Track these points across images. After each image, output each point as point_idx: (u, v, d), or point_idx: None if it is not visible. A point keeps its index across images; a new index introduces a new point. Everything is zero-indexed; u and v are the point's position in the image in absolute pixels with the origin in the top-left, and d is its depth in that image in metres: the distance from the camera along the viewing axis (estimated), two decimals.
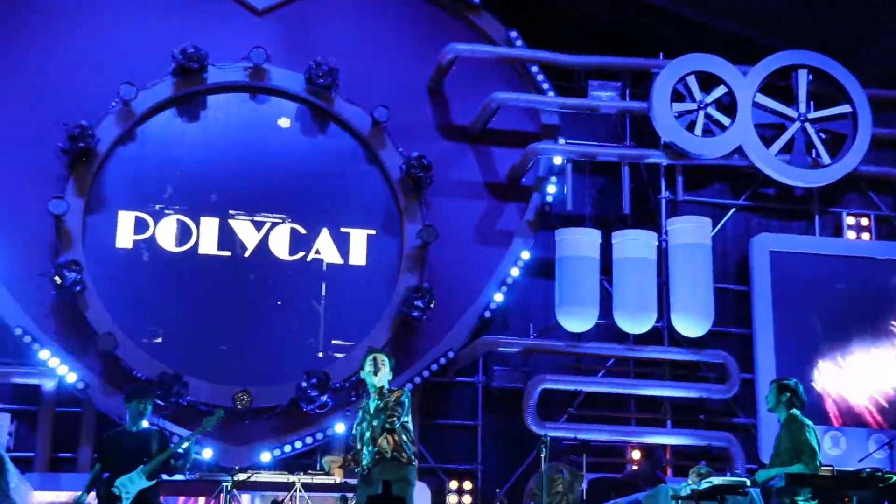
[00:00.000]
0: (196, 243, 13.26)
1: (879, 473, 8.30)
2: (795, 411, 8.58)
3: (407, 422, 7.82)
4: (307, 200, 13.58)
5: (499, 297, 13.69)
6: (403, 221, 13.64)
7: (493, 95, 13.80)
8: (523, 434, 13.20)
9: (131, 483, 8.27)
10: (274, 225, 13.46)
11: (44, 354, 12.29)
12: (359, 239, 13.65)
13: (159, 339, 12.95)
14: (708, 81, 14.26)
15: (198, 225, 13.30)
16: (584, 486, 12.24)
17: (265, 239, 13.41)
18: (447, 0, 14.51)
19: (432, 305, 13.16)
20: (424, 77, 14.19)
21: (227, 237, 13.33)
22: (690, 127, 14.14)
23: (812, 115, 14.43)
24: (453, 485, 13.38)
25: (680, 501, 9.07)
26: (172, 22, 13.60)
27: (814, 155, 14.38)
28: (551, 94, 14.36)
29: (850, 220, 14.93)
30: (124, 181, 13.22)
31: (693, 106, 14.19)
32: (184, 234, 13.27)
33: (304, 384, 12.67)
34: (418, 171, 13.51)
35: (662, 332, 14.00)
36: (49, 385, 12.38)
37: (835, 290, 14.21)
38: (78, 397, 12.45)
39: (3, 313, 12.43)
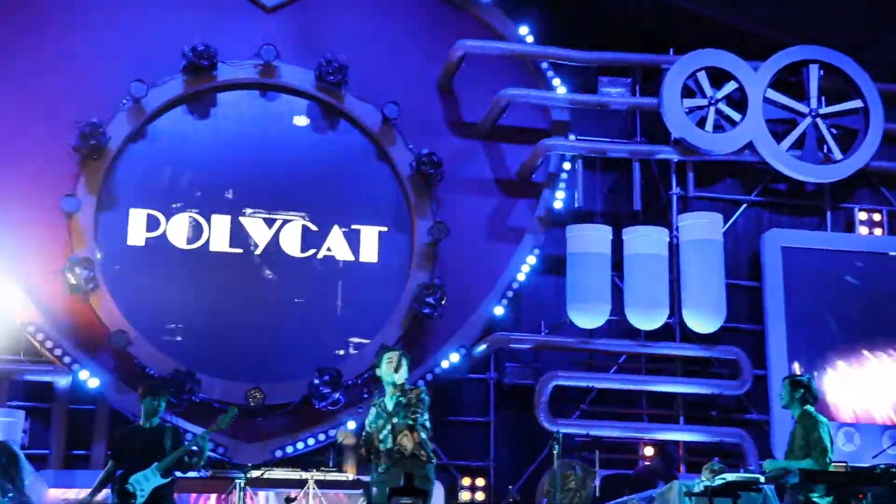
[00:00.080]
0: (207, 240, 13.28)
1: (894, 470, 8.27)
2: (809, 407, 8.57)
3: (426, 420, 7.81)
4: (318, 197, 13.58)
5: (510, 294, 13.68)
6: (414, 218, 13.64)
7: (503, 92, 13.79)
8: (535, 431, 13.20)
9: (146, 480, 8.26)
10: (285, 222, 13.47)
11: (57, 352, 12.33)
12: (370, 236, 13.65)
13: (180, 338, 12.97)
14: (718, 77, 14.23)
15: (209, 222, 13.31)
16: (597, 482, 12.24)
17: (276, 236, 13.42)
18: None
19: (443, 302, 13.16)
20: (434, 74, 14.18)
21: (238, 234, 13.34)
22: (701, 123, 14.11)
23: (823, 111, 14.38)
24: (466, 481, 13.38)
25: (693, 498, 9.04)
26: (183, 19, 13.60)
27: (825, 150, 14.33)
28: (561, 90, 14.34)
29: (863, 216, 14.89)
30: (135, 179, 13.24)
31: (704, 102, 14.16)
32: (195, 231, 13.29)
33: (317, 381, 12.68)
34: (429, 168, 13.51)
35: (674, 329, 13.99)
36: (63, 382, 12.40)
37: (847, 285, 14.20)
38: (91, 394, 12.48)
39: (17, 311, 12.46)
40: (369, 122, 13.76)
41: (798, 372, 13.19)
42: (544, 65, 14.44)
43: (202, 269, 13.21)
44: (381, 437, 7.69)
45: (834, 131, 14.41)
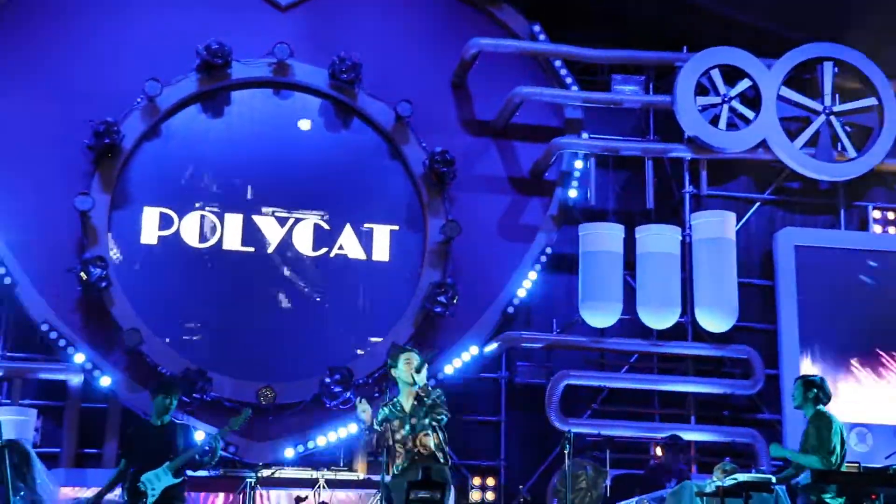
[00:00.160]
0: (220, 239, 13.31)
1: None
2: (822, 407, 8.56)
3: (445, 423, 7.83)
4: (331, 196, 13.60)
5: (522, 293, 13.66)
6: (426, 217, 13.63)
7: (517, 90, 13.76)
8: (546, 430, 13.18)
9: (157, 479, 8.29)
10: (297, 221, 13.49)
11: (69, 350, 12.38)
12: (382, 234, 13.65)
13: (191, 336, 13.00)
14: (732, 75, 14.17)
15: (222, 221, 13.34)
16: (608, 482, 12.21)
17: (289, 235, 13.44)
18: None
19: (455, 301, 13.14)
20: (448, 72, 14.17)
21: (251, 233, 13.37)
22: (714, 121, 14.06)
23: (837, 108, 14.30)
24: (476, 481, 13.37)
25: (705, 498, 9.02)
26: (196, 18, 13.63)
27: (839, 148, 14.25)
28: (574, 88, 14.32)
29: (877, 214, 14.83)
30: (149, 177, 13.28)
31: (717, 100, 14.12)
32: (208, 229, 13.32)
33: (328, 380, 12.69)
34: (441, 167, 13.50)
35: (686, 328, 13.94)
36: (75, 381, 12.44)
37: (860, 284, 14.12)
38: (103, 393, 12.52)
39: (30, 309, 12.52)
40: (382, 120, 13.77)
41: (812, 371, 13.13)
42: (557, 63, 14.41)
43: (215, 268, 13.25)
44: (399, 437, 7.66)
45: (848, 129, 14.33)
